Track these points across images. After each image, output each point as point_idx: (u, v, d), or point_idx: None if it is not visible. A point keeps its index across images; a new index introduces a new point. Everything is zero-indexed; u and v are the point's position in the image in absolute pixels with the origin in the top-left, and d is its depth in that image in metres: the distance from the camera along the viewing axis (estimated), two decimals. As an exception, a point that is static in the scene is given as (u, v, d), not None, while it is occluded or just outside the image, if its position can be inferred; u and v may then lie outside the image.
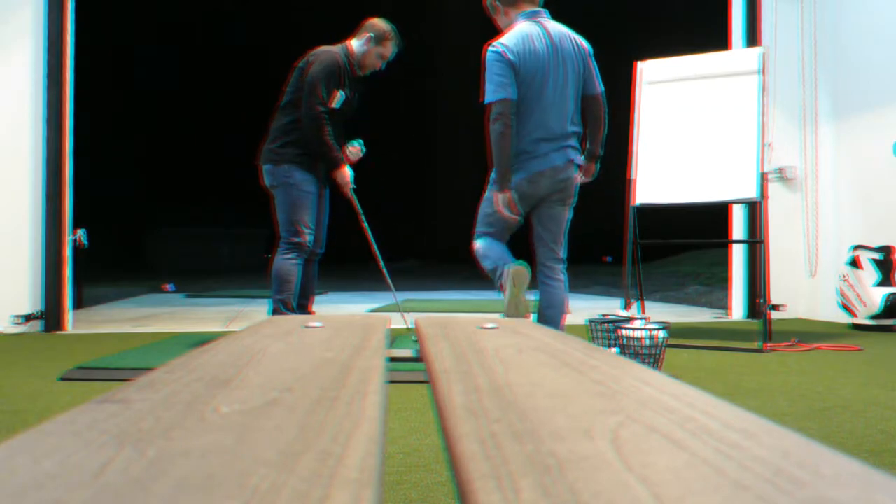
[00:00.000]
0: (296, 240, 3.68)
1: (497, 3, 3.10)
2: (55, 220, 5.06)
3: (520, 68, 2.89)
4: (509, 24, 3.08)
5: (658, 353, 3.08)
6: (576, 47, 3.04)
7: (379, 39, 3.78)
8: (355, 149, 3.95)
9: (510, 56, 2.89)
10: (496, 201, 3.00)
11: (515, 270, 2.88)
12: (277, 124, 3.77)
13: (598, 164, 3.26)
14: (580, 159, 3.08)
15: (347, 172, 3.79)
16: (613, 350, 3.07)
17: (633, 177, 4.90)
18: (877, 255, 5.07)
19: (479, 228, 3.18)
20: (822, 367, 3.38)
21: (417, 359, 1.25)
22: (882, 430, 2.15)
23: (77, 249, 5.38)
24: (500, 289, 2.96)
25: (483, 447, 0.46)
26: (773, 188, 5.87)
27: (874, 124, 5.43)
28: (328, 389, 0.66)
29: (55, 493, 0.36)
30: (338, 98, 3.71)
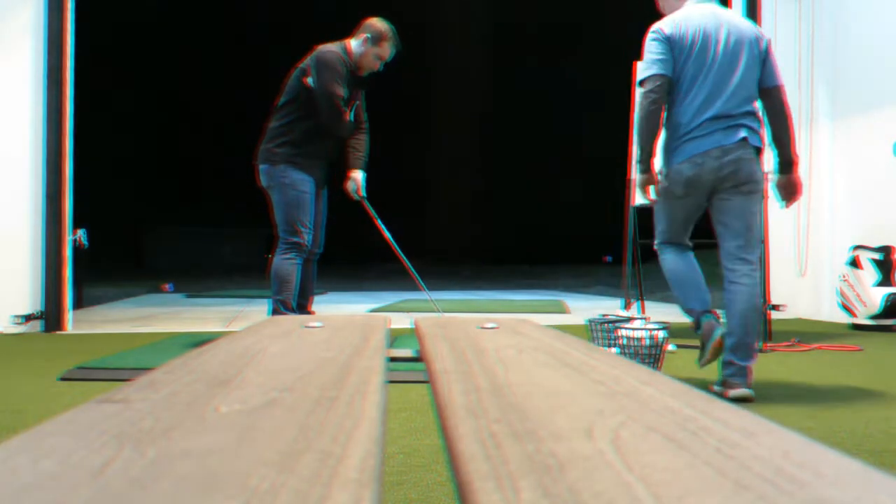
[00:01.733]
0: (294, 239, 3.68)
1: None
2: (55, 220, 5.06)
3: (678, 42, 2.73)
4: (673, 5, 2.92)
5: (658, 353, 3.08)
6: (753, 31, 2.84)
7: (376, 40, 3.75)
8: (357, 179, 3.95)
9: (667, 30, 2.74)
10: (637, 181, 2.87)
11: (717, 344, 2.68)
12: (275, 124, 3.77)
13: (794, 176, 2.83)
14: (757, 140, 2.75)
15: (357, 180, 3.86)
16: (613, 350, 3.07)
17: (633, 177, 4.90)
18: (877, 255, 5.07)
19: (658, 228, 3.00)
20: (822, 367, 3.38)
21: (417, 359, 1.25)
22: (882, 430, 2.15)
23: (77, 249, 5.38)
24: (698, 333, 2.81)
25: (483, 447, 0.46)
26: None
27: (872, 124, 5.43)
28: (328, 389, 0.66)
29: (55, 493, 0.36)
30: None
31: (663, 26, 2.77)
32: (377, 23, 3.78)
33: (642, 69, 2.76)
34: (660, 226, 2.98)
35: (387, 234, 4.18)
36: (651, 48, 2.75)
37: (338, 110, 3.62)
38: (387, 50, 3.79)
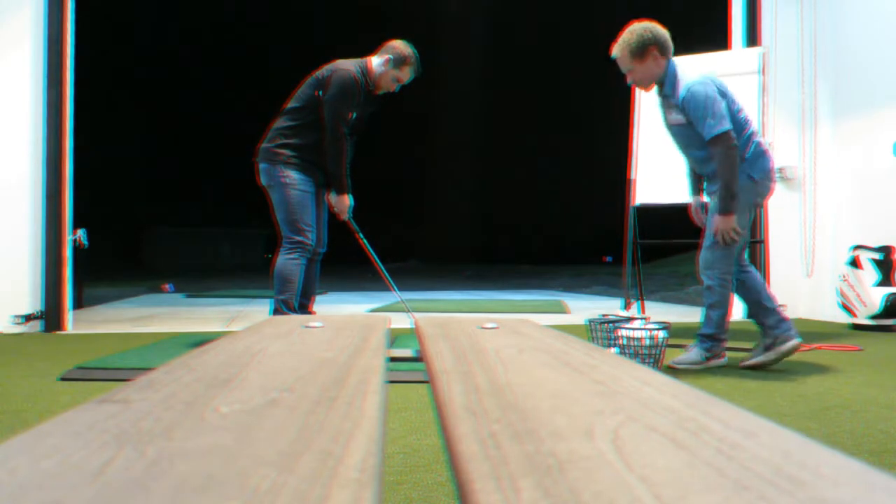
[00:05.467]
0: (298, 238, 3.68)
1: (656, 51, 3.22)
2: (55, 219, 5.06)
3: (724, 93, 3.22)
4: (657, 70, 3.24)
5: (658, 353, 3.08)
6: None
7: (398, 63, 3.77)
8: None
9: (717, 82, 3.22)
10: (730, 223, 3.19)
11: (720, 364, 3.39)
12: (278, 125, 3.77)
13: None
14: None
15: (348, 201, 3.81)
16: (613, 350, 3.07)
17: (633, 177, 4.90)
18: (877, 255, 5.06)
19: (720, 256, 3.30)
20: (822, 367, 3.38)
21: (417, 359, 1.25)
22: (882, 430, 2.15)
23: (77, 249, 5.37)
24: (709, 353, 3.36)
25: (483, 447, 0.46)
26: (773, 188, 5.87)
27: (874, 124, 5.43)
28: (328, 389, 0.66)
29: (55, 493, 0.36)
30: (351, 119, 3.73)
31: (711, 81, 3.19)
32: (401, 46, 3.79)
33: (713, 126, 3.11)
34: (725, 252, 3.31)
35: (371, 252, 4.18)
36: (713, 104, 3.13)
37: (339, 137, 3.65)
38: (406, 74, 3.81)
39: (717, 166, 3.15)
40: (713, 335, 3.36)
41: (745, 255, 3.49)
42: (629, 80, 3.31)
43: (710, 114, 3.11)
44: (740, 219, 3.24)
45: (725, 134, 3.10)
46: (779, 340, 3.28)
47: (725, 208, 3.16)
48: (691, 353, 3.38)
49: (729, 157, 3.10)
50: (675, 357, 3.44)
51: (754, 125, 3.36)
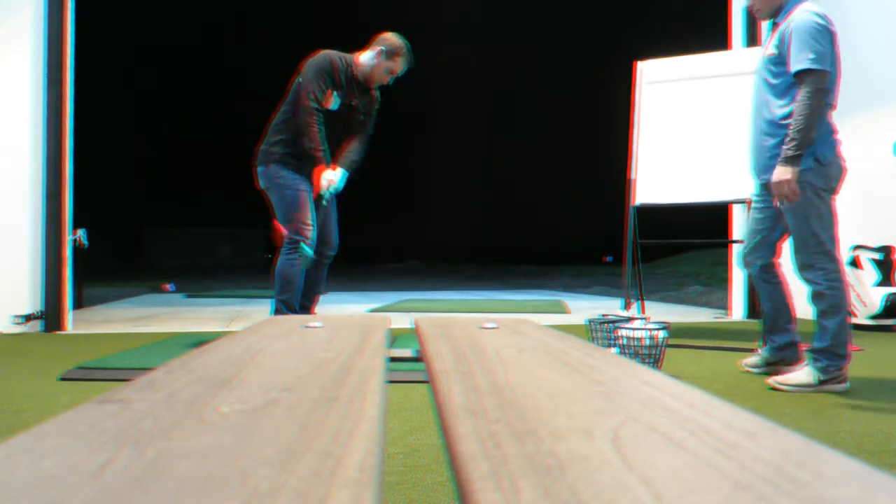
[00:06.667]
0: (299, 238, 3.68)
1: None
2: (55, 219, 5.06)
3: (834, 39, 2.75)
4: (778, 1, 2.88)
5: (658, 353, 3.08)
6: None
7: (390, 54, 3.76)
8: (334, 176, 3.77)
9: (833, 28, 2.73)
10: (786, 175, 2.70)
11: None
12: (273, 122, 3.80)
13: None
14: None
15: (329, 173, 3.73)
16: (613, 350, 3.07)
17: (633, 177, 4.90)
18: (877, 255, 5.07)
19: (828, 233, 2.82)
20: (822, 367, 3.38)
21: (417, 359, 1.24)
22: (882, 430, 2.15)
23: (77, 249, 5.37)
24: (824, 374, 2.79)
25: (483, 447, 0.46)
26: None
27: (874, 124, 5.43)
28: (328, 389, 0.66)
29: (55, 493, 0.36)
30: (332, 100, 3.70)
31: (829, 21, 2.72)
32: (392, 37, 3.78)
33: (812, 60, 2.67)
34: (830, 230, 2.81)
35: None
36: (823, 39, 2.69)
37: (307, 111, 3.61)
38: (399, 65, 3.79)
39: (797, 106, 2.68)
40: (828, 349, 2.79)
41: (793, 257, 3.06)
42: (751, 2, 2.98)
43: (810, 47, 2.67)
44: (818, 210, 2.79)
45: (821, 73, 2.65)
46: (784, 363, 3.13)
47: (789, 159, 2.70)
48: (801, 371, 2.85)
49: (814, 100, 2.64)
50: (778, 376, 2.93)
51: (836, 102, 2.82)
